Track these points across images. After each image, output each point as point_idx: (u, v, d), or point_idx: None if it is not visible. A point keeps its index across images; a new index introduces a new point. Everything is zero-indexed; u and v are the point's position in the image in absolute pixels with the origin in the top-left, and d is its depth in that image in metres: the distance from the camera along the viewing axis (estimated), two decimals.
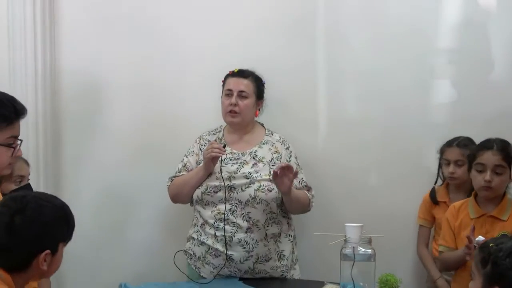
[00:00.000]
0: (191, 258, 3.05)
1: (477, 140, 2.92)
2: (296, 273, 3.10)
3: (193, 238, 3.04)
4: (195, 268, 3.03)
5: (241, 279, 2.94)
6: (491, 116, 3.19)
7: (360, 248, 2.57)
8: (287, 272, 3.04)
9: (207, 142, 3.10)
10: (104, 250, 3.49)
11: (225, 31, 3.41)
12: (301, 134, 3.31)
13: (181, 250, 3.08)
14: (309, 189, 3.07)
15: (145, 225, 3.51)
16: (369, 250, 2.57)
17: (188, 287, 2.82)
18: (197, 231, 3.02)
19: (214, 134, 3.16)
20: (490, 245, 1.73)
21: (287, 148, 3.11)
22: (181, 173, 3.09)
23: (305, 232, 3.27)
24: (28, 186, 2.74)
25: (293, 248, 3.10)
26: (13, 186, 2.66)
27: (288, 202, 2.99)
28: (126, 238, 3.52)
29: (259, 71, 3.13)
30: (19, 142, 2.18)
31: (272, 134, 3.15)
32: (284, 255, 3.03)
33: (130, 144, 3.50)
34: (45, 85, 3.41)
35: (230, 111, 3.05)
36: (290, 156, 3.09)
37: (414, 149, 3.30)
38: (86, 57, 3.48)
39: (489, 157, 2.67)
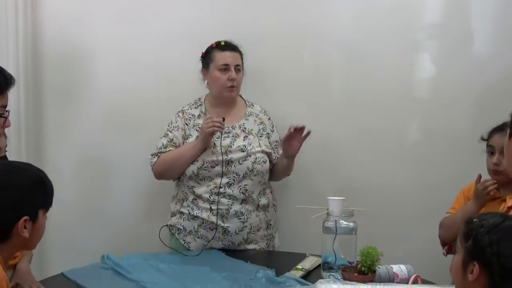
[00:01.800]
0: (179, 233, 3.05)
1: (455, 118, 2.93)
2: (276, 242, 3.18)
3: (182, 213, 3.04)
4: (184, 242, 3.04)
5: (224, 250, 2.96)
6: (474, 90, 3.19)
7: (342, 221, 2.59)
8: (271, 240, 3.12)
9: (191, 116, 3.07)
10: (85, 220, 3.48)
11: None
12: (283, 106, 3.29)
13: (166, 225, 3.08)
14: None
15: (127, 196, 3.49)
16: (351, 224, 2.60)
17: (171, 259, 2.81)
18: (188, 206, 3.02)
19: (196, 107, 3.12)
20: (474, 220, 1.73)
21: (269, 119, 3.16)
22: (168, 149, 3.02)
23: (287, 205, 3.28)
24: (5, 158, 2.71)
25: (276, 219, 3.18)
26: None
27: (284, 167, 3.07)
28: (107, 208, 3.51)
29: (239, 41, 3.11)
30: (7, 112, 2.16)
31: (253, 106, 3.16)
32: (270, 224, 3.11)
33: (113, 112, 3.46)
34: (26, 50, 3.35)
35: (230, 86, 3.02)
36: (273, 126, 3.13)
37: (396, 123, 3.28)
38: (68, 20, 3.41)
39: (498, 139, 2.60)
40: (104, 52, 3.44)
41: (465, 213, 2.62)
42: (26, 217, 1.78)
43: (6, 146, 2.72)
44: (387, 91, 3.25)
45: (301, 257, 2.80)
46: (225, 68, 3.02)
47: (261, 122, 3.10)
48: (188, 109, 3.12)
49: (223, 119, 2.94)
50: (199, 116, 3.07)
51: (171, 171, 3.04)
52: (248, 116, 3.10)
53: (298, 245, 3.10)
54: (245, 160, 2.97)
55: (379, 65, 3.25)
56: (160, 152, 3.03)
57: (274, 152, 3.09)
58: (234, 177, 2.96)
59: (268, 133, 3.08)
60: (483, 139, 2.71)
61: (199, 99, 3.14)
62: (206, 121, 2.94)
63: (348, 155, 3.32)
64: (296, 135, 2.94)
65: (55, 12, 3.43)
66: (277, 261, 2.85)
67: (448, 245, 2.76)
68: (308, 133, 2.94)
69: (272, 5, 3.33)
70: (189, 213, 3.01)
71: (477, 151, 2.73)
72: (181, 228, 3.05)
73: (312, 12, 3.31)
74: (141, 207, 3.50)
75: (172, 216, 3.11)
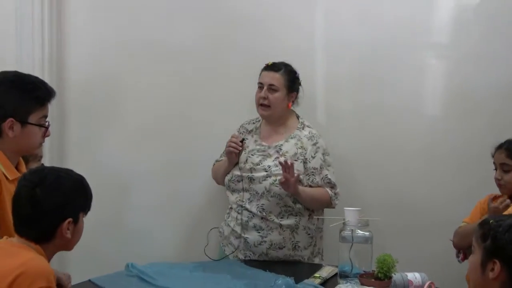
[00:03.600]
0: (220, 236, 3.24)
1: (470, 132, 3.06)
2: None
3: (224, 219, 3.23)
4: (223, 245, 3.21)
5: (243, 261, 3.07)
6: (490, 105, 3.32)
7: (358, 231, 2.69)
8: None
9: (245, 131, 3.25)
10: (108, 232, 3.59)
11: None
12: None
13: (216, 227, 3.28)
14: (332, 186, 3.11)
15: (143, 212, 3.64)
16: (367, 233, 2.70)
17: (193, 267, 2.91)
18: (227, 213, 3.21)
19: (253, 123, 3.28)
20: (490, 221, 1.84)
21: (314, 144, 3.11)
22: (221, 158, 3.27)
23: None
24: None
25: (313, 241, 3.16)
26: (37, 165, 2.77)
27: (302, 201, 3.08)
28: (127, 222, 3.65)
29: None
30: (48, 123, 2.31)
31: (303, 129, 3.18)
32: (299, 246, 3.12)
33: (136, 130, 3.61)
34: (51, 72, 3.50)
35: (261, 104, 3.15)
36: (316, 152, 3.11)
37: (411, 136, 3.42)
38: (91, 45, 3.58)
39: (497, 156, 2.82)
40: (129, 75, 3.60)
41: (473, 230, 2.74)
42: (70, 219, 1.91)
43: (41, 157, 2.86)
44: (404, 105, 3.39)
45: (318, 267, 2.90)
46: (260, 86, 3.17)
47: (301, 147, 3.11)
48: (247, 124, 3.30)
49: (243, 140, 3.13)
50: (251, 131, 3.24)
51: (217, 179, 3.33)
52: (291, 138, 3.15)
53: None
54: (264, 179, 3.07)
55: (395, 81, 3.40)
56: (217, 161, 3.30)
57: (308, 179, 3.09)
58: (254, 194, 3.09)
59: (306, 159, 3.09)
60: (492, 155, 2.86)
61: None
62: (229, 140, 3.13)
63: (363, 167, 3.43)
64: (289, 177, 2.94)
65: (79, 35, 3.59)
66: (295, 270, 2.92)
67: (462, 252, 2.86)
68: (297, 177, 2.96)
69: (289, 24, 3.47)
70: (226, 219, 3.21)
71: (491, 163, 2.85)
72: (221, 231, 3.23)
73: (325, 28, 3.48)
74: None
75: (224, 221, 3.27)
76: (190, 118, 3.57)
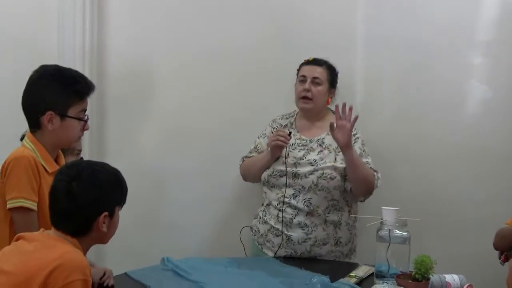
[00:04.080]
0: (255, 234, 3.19)
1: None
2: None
3: (259, 216, 3.18)
4: (258, 244, 3.17)
5: (278, 258, 3.06)
6: None
7: (396, 230, 2.65)
8: (339, 258, 3.12)
9: (279, 126, 3.22)
10: (146, 227, 3.62)
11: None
12: None
13: (247, 226, 3.25)
14: (375, 170, 3.07)
15: (179, 207, 3.65)
16: (405, 233, 2.65)
17: (227, 263, 2.91)
18: (263, 210, 3.16)
19: (287, 118, 3.26)
20: None
21: (354, 134, 3.03)
22: (252, 154, 3.24)
23: None
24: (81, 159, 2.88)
25: (351, 237, 3.16)
26: (74, 159, 2.80)
27: (350, 167, 2.97)
28: (166, 216, 3.66)
29: None
30: (86, 116, 2.33)
31: None
32: (341, 242, 3.11)
33: (173, 126, 3.63)
34: (92, 66, 3.55)
35: (303, 97, 3.12)
36: (355, 142, 3.06)
37: (452, 136, 3.36)
38: (132, 38, 3.62)
39: None
40: (165, 67, 3.62)
41: None
42: (106, 213, 1.93)
43: (80, 150, 2.89)
44: (446, 102, 3.34)
45: (354, 266, 2.87)
46: (303, 79, 3.14)
47: None
48: (279, 119, 3.27)
49: (290, 133, 3.06)
50: (286, 126, 3.21)
51: (249, 176, 3.27)
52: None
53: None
54: (311, 174, 3.03)
55: (432, 79, 3.34)
56: (246, 157, 3.25)
57: None
58: (299, 189, 3.04)
59: None
60: None
61: (294, 111, 3.26)
62: (274, 134, 3.07)
63: (403, 164, 3.38)
64: (343, 122, 2.89)
65: (119, 29, 3.63)
66: (331, 269, 2.89)
67: (504, 254, 2.80)
68: (356, 118, 2.90)
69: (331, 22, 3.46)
70: (262, 217, 3.16)
71: None
72: (256, 230, 3.18)
73: (366, 25, 3.45)
74: (216, 212, 3.67)
75: (254, 218, 3.24)
76: (228, 116, 3.56)
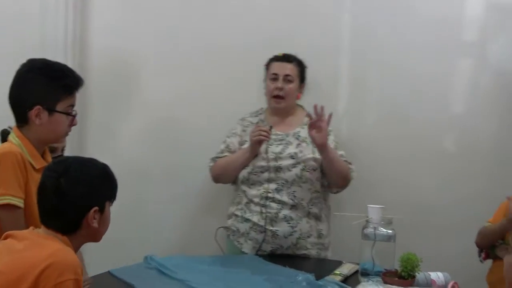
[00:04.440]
0: (233, 234, 3.16)
1: (491, 132, 3.03)
2: (329, 255, 3.19)
3: (236, 215, 3.14)
4: (238, 243, 3.14)
5: (261, 255, 3.04)
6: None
7: (381, 228, 2.67)
8: (322, 251, 3.14)
9: (249, 124, 3.20)
10: (129, 223, 3.57)
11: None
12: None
13: (222, 227, 3.21)
14: (350, 163, 3.12)
15: (159, 203, 3.60)
16: (390, 231, 2.67)
17: (211, 261, 2.90)
18: (241, 209, 3.12)
19: (256, 116, 3.25)
20: None
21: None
22: (224, 154, 3.18)
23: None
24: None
25: (330, 229, 3.20)
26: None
27: (328, 164, 3.03)
28: (150, 212, 3.61)
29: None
30: (76, 111, 2.29)
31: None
32: (322, 234, 3.14)
33: (158, 119, 3.60)
34: (74, 60, 3.49)
35: (276, 96, 3.13)
36: (329, 135, 3.07)
37: (433, 136, 3.39)
38: (115, 32, 3.57)
39: None
40: (148, 61, 3.58)
41: (498, 231, 2.77)
42: (96, 208, 1.88)
43: (64, 147, 2.84)
44: (424, 105, 3.36)
45: (337, 263, 2.87)
46: (275, 77, 3.14)
47: None
48: (249, 117, 3.26)
49: (271, 128, 3.05)
50: (257, 123, 3.19)
51: (225, 176, 3.19)
52: (305, 125, 3.12)
53: (335, 252, 3.19)
54: (294, 167, 3.04)
55: (417, 79, 3.36)
56: (217, 157, 3.19)
57: None
58: (283, 183, 3.05)
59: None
60: None
61: (261, 108, 3.27)
62: (253, 129, 3.06)
63: (386, 164, 3.40)
64: (319, 122, 2.94)
65: (102, 23, 3.58)
66: (315, 267, 2.91)
67: (484, 252, 2.84)
68: (330, 116, 2.95)
69: (316, 21, 3.44)
70: (242, 215, 3.12)
71: None
72: (235, 230, 3.15)
73: (351, 25, 3.46)
74: (194, 211, 3.63)
75: (229, 218, 3.21)
76: (213, 110, 3.53)
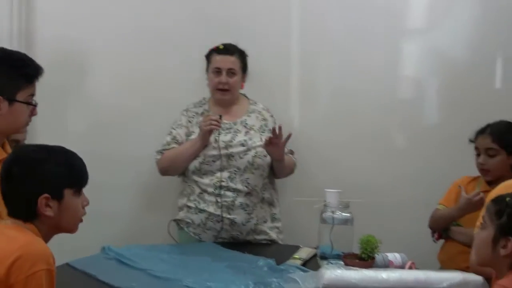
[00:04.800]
0: (188, 226, 3.14)
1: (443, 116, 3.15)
2: (282, 237, 3.23)
3: (189, 207, 3.12)
4: (195, 235, 3.12)
5: (220, 242, 3.05)
6: (457, 90, 3.42)
7: (339, 212, 2.72)
8: (279, 234, 3.19)
9: (195, 115, 3.19)
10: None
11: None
12: (276, 105, 3.39)
13: (174, 220, 3.18)
14: (292, 152, 3.21)
15: (126, 193, 3.54)
16: (348, 214, 2.73)
17: (170, 250, 2.89)
18: (194, 200, 3.10)
19: (200, 106, 3.23)
20: (507, 199, 1.87)
21: (272, 116, 3.24)
22: (171, 146, 3.14)
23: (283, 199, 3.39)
24: None
25: (280, 213, 3.25)
26: None
27: (279, 168, 3.14)
28: (105, 205, 3.53)
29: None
30: (35, 101, 2.24)
31: (256, 104, 3.26)
32: (276, 218, 3.20)
33: (109, 111, 3.52)
34: (20, 49, 3.33)
35: (220, 89, 3.13)
36: (275, 123, 3.18)
37: (388, 122, 3.48)
38: (61, 21, 3.46)
39: (481, 141, 2.81)
40: (100, 53, 3.50)
41: (450, 216, 2.86)
42: (46, 195, 1.83)
43: (25, 140, 2.77)
44: (379, 91, 3.43)
45: (295, 248, 2.90)
46: (217, 71, 3.14)
47: (264, 119, 3.20)
48: (192, 107, 3.23)
49: (220, 117, 3.05)
50: (202, 113, 3.18)
51: (174, 168, 3.15)
52: (251, 113, 3.19)
53: (291, 237, 3.23)
54: (245, 154, 3.07)
55: (369, 66, 3.42)
56: (164, 150, 3.15)
57: None
58: (235, 171, 3.06)
59: (270, 129, 3.14)
60: (471, 140, 2.89)
61: (204, 98, 3.26)
62: (204, 119, 3.05)
63: (343, 151, 3.45)
64: (277, 140, 3.00)
65: (48, 12, 3.47)
66: (273, 252, 2.93)
67: (437, 233, 2.93)
68: (289, 136, 3.03)
69: (264, 7, 3.46)
70: (196, 206, 3.09)
71: (462, 147, 2.92)
72: (190, 221, 3.13)
73: (300, 13, 3.49)
74: (140, 204, 3.57)
75: (180, 211, 3.18)
76: (159, 101, 3.49)
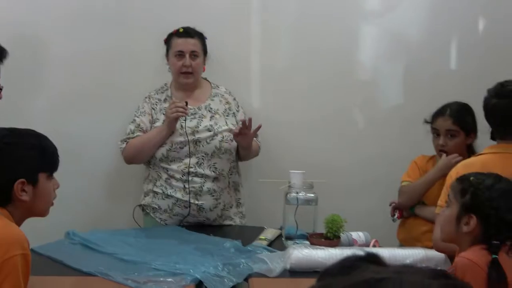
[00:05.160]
0: (154, 212, 3.12)
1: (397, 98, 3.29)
2: (244, 222, 3.26)
3: (156, 192, 3.10)
4: (161, 220, 3.12)
5: (184, 226, 3.06)
6: (410, 73, 3.51)
7: (303, 193, 2.77)
8: (242, 219, 3.22)
9: (158, 101, 3.16)
10: None
11: None
12: (237, 88, 3.37)
13: (139, 205, 3.17)
14: (256, 136, 3.18)
15: (90, 180, 3.50)
16: (312, 195, 2.78)
17: (136, 233, 2.90)
18: (161, 186, 3.08)
19: (162, 92, 3.20)
20: (471, 178, 1.93)
21: (234, 99, 3.24)
22: (135, 134, 3.10)
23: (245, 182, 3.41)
24: None
25: (244, 198, 3.28)
26: None
27: (246, 154, 3.17)
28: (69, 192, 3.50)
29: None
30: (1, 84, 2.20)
31: (218, 87, 3.25)
32: (240, 203, 3.23)
33: (71, 96, 3.44)
34: None
35: (184, 73, 3.11)
36: (238, 106, 3.22)
37: (346, 105, 3.51)
38: (14, 5, 3.38)
39: (441, 123, 2.85)
40: (60, 38, 3.41)
41: (427, 182, 2.88)
42: (22, 180, 1.82)
43: None
44: (339, 73, 3.47)
45: (260, 230, 2.94)
46: (180, 54, 3.11)
47: (227, 102, 3.19)
48: (154, 94, 3.20)
49: (186, 103, 3.04)
50: (165, 100, 3.15)
51: (140, 156, 3.12)
52: (214, 97, 3.18)
53: (255, 219, 3.26)
54: (212, 139, 3.06)
55: (329, 48, 3.45)
56: (129, 138, 3.10)
57: None
58: (203, 156, 3.05)
59: (234, 113, 3.18)
60: (426, 121, 2.95)
61: (165, 84, 3.22)
62: (169, 106, 3.02)
63: (305, 133, 3.47)
64: (247, 131, 3.01)
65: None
66: (238, 234, 2.96)
67: (399, 211, 2.99)
68: (258, 127, 3.05)
69: None
70: (163, 192, 3.08)
71: (420, 128, 2.98)
72: (156, 207, 3.11)
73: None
74: (103, 189, 3.52)
75: (145, 196, 3.17)
76: (119, 85, 3.44)
